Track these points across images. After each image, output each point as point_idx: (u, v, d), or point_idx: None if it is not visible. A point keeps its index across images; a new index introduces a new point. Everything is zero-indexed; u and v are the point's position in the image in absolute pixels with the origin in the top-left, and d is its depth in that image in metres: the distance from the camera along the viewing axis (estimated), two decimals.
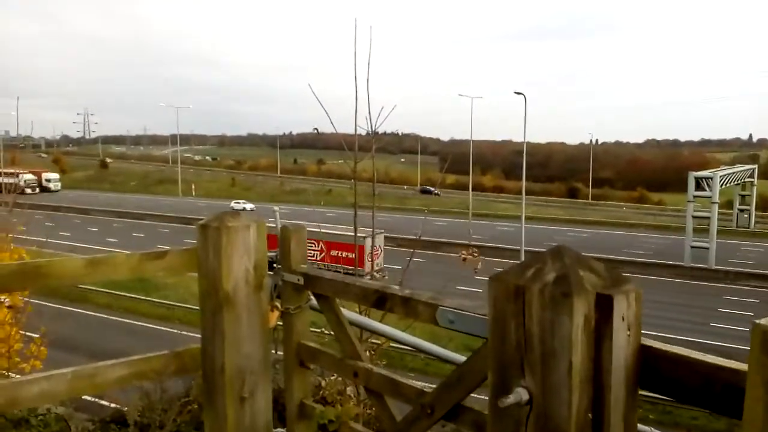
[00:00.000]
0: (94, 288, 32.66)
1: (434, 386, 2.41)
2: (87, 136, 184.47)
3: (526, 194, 51.33)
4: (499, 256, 43.42)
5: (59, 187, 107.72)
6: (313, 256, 38.95)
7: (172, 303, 32.66)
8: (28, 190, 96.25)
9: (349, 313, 3.14)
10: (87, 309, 32.30)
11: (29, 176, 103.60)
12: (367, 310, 3.76)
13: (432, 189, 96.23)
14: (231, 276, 2.87)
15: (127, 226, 65.31)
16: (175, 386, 4.48)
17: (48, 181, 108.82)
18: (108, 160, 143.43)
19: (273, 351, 3.16)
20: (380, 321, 3.53)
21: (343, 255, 36.69)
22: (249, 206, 76.70)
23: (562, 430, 1.64)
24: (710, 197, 50.44)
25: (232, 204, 79.41)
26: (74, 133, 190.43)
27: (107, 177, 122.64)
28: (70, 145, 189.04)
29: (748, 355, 1.40)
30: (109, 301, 33.71)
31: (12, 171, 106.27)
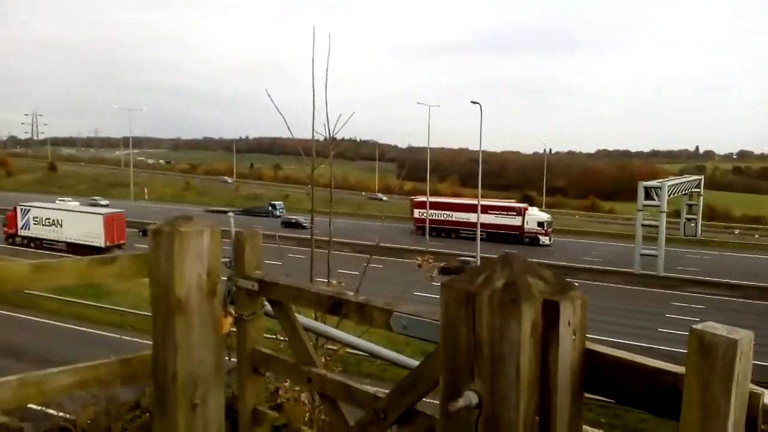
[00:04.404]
0: (42, 294, 31.70)
1: (388, 391, 2.42)
2: (35, 138, 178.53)
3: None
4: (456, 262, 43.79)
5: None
6: None
7: (123, 309, 31.94)
8: (546, 240, 62.07)
9: (304, 319, 3.13)
10: (35, 315, 31.37)
11: (542, 214, 65.08)
12: (323, 316, 3.76)
13: None
14: (183, 282, 2.84)
15: None
16: (126, 394, 4.39)
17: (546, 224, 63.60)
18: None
19: (226, 358, 3.13)
20: (336, 327, 3.53)
21: None
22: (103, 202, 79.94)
23: None
24: (659, 206, 51.95)
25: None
26: (22, 135, 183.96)
27: (56, 180, 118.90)
28: (18, 146, 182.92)
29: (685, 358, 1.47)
30: (58, 306, 32.78)
31: (504, 204, 65.20)
